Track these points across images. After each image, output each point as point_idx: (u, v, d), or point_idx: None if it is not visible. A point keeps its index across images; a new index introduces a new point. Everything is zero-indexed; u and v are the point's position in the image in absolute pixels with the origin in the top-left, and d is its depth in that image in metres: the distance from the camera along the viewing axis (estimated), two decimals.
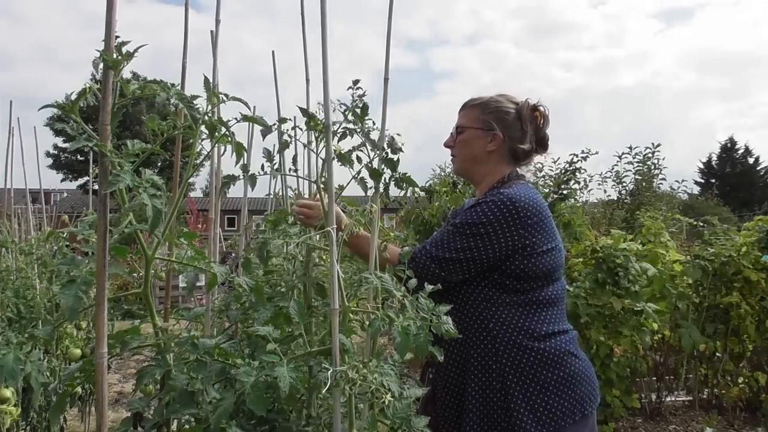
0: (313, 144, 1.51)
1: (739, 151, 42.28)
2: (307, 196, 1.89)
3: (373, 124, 1.51)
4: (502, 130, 1.79)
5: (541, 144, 1.86)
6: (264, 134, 1.51)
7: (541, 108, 1.84)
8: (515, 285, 1.68)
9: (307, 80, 2.02)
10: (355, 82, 1.64)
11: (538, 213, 1.68)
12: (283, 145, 1.57)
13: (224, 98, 1.50)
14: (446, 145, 1.89)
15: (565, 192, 6.03)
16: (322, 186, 1.47)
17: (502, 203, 1.66)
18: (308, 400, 1.60)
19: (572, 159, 6.95)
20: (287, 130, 1.56)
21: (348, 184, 1.54)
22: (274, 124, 1.56)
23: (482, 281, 1.71)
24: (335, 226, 1.34)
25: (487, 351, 1.68)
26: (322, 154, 1.40)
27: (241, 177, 1.63)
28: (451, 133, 1.88)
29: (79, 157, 32.07)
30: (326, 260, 1.76)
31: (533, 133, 1.82)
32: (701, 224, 5.48)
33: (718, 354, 4.62)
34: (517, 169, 1.85)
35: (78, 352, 3.26)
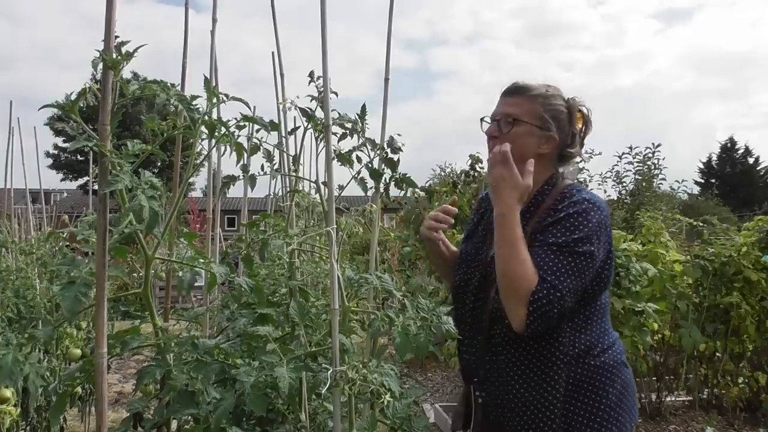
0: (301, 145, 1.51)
1: (739, 151, 42.29)
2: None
3: (364, 125, 1.51)
4: (557, 132, 1.56)
5: (582, 146, 1.67)
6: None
7: (585, 110, 1.65)
8: (587, 294, 1.52)
9: (282, 74, 2.02)
10: (311, 74, 1.53)
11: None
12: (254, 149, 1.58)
13: (224, 98, 1.50)
14: (490, 134, 1.58)
15: None
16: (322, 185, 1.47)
17: (593, 211, 1.48)
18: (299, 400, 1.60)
19: None
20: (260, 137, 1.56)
21: (348, 184, 1.54)
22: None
23: None
24: (335, 226, 1.34)
25: (546, 370, 1.49)
26: (322, 154, 1.40)
27: (241, 177, 1.63)
28: (496, 121, 1.57)
29: (79, 157, 32.08)
30: (326, 260, 1.76)
31: (580, 136, 1.63)
32: (701, 224, 5.48)
33: (718, 354, 4.62)
34: (560, 170, 1.64)
35: (78, 352, 3.26)
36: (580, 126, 1.61)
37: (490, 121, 1.61)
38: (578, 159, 1.67)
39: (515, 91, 1.57)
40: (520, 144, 1.51)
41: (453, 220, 1.66)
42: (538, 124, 1.54)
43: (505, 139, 1.51)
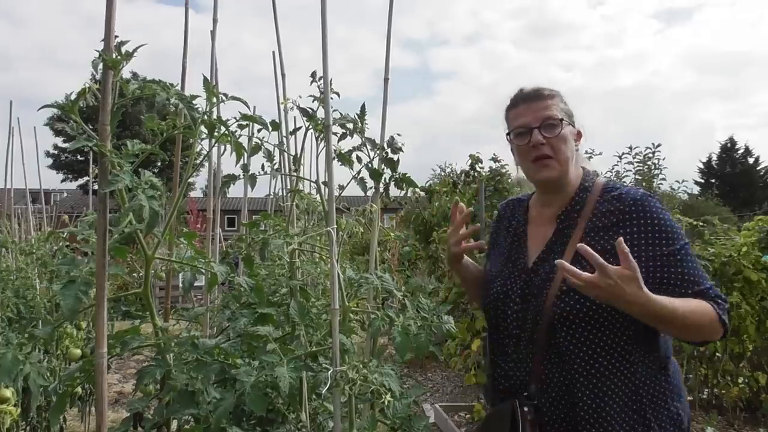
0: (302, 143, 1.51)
1: (739, 151, 42.29)
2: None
3: (364, 125, 1.51)
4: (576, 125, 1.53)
5: None
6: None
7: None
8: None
9: (283, 74, 2.02)
10: (312, 74, 1.49)
11: None
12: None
13: (224, 98, 1.50)
14: (537, 143, 1.46)
15: None
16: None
17: (661, 205, 1.44)
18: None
19: None
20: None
21: (348, 183, 1.54)
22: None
23: None
24: (335, 226, 1.34)
25: (632, 378, 1.39)
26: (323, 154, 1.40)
27: (241, 177, 1.63)
28: (535, 129, 1.46)
29: (79, 157, 32.08)
30: (326, 260, 1.76)
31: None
32: (701, 224, 5.48)
33: (718, 354, 4.62)
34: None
35: (78, 352, 3.26)
36: None
37: (522, 134, 1.49)
38: None
39: (541, 95, 1.50)
40: (568, 145, 1.47)
41: (470, 222, 1.57)
42: (569, 122, 1.50)
43: (556, 142, 1.45)
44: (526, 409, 1.41)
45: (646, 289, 1.25)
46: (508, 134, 1.55)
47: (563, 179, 1.49)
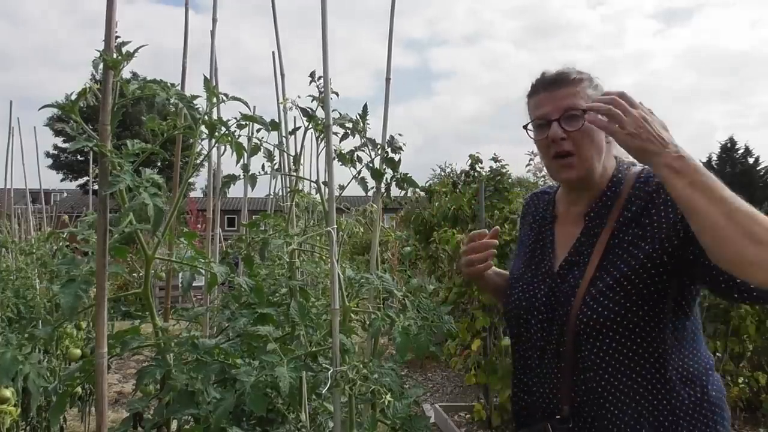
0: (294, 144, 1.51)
1: (739, 151, 42.30)
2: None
3: (365, 125, 1.51)
4: None
5: None
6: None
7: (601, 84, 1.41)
8: (692, 297, 1.30)
9: (282, 74, 2.02)
10: (312, 74, 1.46)
11: None
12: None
13: (224, 98, 1.50)
14: (554, 137, 1.29)
15: None
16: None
17: None
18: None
19: None
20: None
21: (348, 183, 1.54)
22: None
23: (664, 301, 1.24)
24: (335, 226, 1.34)
25: (663, 393, 1.24)
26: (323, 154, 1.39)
27: (241, 177, 1.63)
28: (555, 122, 1.28)
29: (79, 157, 32.08)
30: (326, 260, 1.76)
31: None
32: None
33: (718, 354, 4.62)
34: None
35: (78, 352, 3.26)
36: None
37: (541, 127, 1.33)
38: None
39: (564, 80, 1.30)
40: (594, 138, 1.28)
41: (494, 250, 1.40)
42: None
43: (578, 137, 1.27)
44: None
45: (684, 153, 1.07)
46: (524, 127, 1.37)
47: (588, 179, 1.32)
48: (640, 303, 1.22)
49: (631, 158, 1.31)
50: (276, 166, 1.67)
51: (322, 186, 1.47)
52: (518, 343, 1.41)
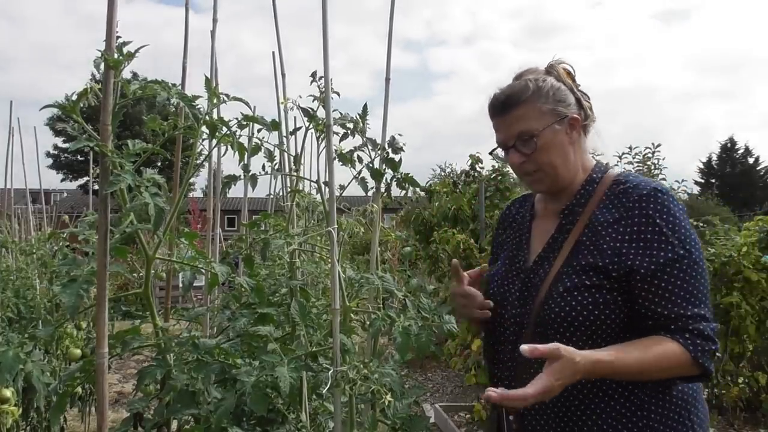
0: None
1: (739, 151, 42.30)
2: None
3: (365, 125, 1.51)
4: (571, 110, 1.34)
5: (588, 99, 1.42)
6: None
7: (567, 65, 1.41)
8: None
9: (283, 74, 2.02)
10: (313, 74, 1.45)
11: None
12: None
13: (225, 98, 1.50)
14: (515, 162, 1.35)
15: None
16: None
17: (674, 201, 1.26)
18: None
19: None
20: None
21: (349, 183, 1.54)
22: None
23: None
24: (336, 226, 1.34)
25: (628, 396, 1.26)
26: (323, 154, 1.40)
27: (242, 177, 1.63)
28: (512, 147, 1.34)
29: (79, 157, 32.08)
30: (326, 260, 1.76)
31: (581, 93, 1.39)
32: (702, 224, 5.48)
33: (718, 354, 4.62)
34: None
35: (78, 352, 3.26)
36: (571, 81, 1.39)
37: (503, 151, 1.38)
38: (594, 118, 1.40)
39: (510, 104, 1.34)
40: (554, 152, 1.32)
41: (481, 295, 1.39)
42: (554, 120, 1.32)
43: (537, 156, 1.31)
44: (511, 418, 1.34)
45: (588, 357, 1.13)
46: (490, 153, 1.44)
47: (558, 185, 1.36)
48: (601, 306, 1.23)
49: (603, 157, 1.42)
50: (276, 166, 1.67)
51: (323, 186, 1.47)
52: (491, 337, 1.42)
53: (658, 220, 1.22)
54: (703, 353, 1.18)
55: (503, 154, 1.39)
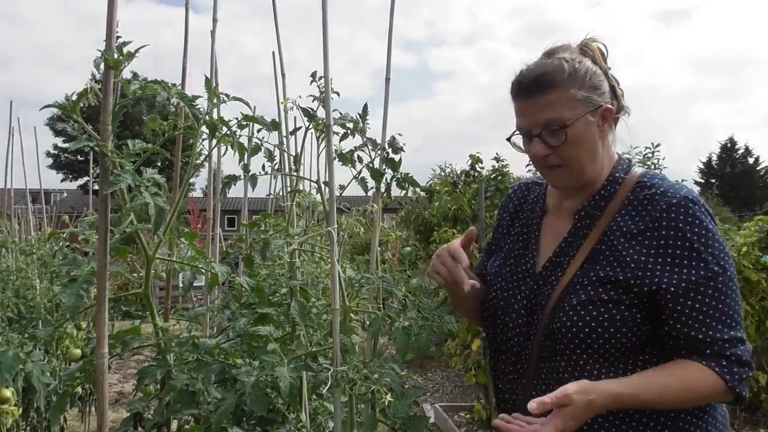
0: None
1: (739, 151, 42.29)
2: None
3: (365, 125, 1.51)
4: (605, 99, 1.19)
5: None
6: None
7: (600, 45, 1.25)
8: None
9: (283, 74, 2.02)
10: (313, 74, 1.42)
11: None
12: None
13: (225, 98, 1.50)
14: (537, 154, 1.19)
15: None
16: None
17: (704, 210, 1.14)
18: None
19: None
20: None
21: (349, 183, 1.54)
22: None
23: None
24: (336, 226, 1.34)
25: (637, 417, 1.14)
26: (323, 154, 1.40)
27: (242, 177, 1.63)
28: (537, 136, 1.17)
29: (79, 157, 32.08)
30: (327, 260, 1.76)
31: (615, 80, 1.24)
32: None
33: None
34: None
35: (78, 352, 3.26)
36: (605, 64, 1.23)
37: (524, 138, 1.22)
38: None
39: (542, 85, 1.16)
40: (584, 145, 1.16)
41: (466, 259, 1.20)
42: (587, 109, 1.16)
43: (564, 150, 1.16)
44: None
45: (604, 392, 1.04)
46: (508, 139, 1.26)
47: (581, 183, 1.21)
48: (618, 323, 1.11)
49: (627, 154, 1.27)
50: (276, 166, 1.67)
51: (323, 186, 1.47)
52: (493, 348, 1.31)
53: (689, 234, 1.10)
54: (740, 381, 1.09)
55: (523, 142, 1.23)
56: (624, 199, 1.18)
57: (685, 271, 1.09)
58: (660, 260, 1.10)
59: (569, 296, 1.16)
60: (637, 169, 1.23)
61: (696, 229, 1.10)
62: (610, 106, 1.18)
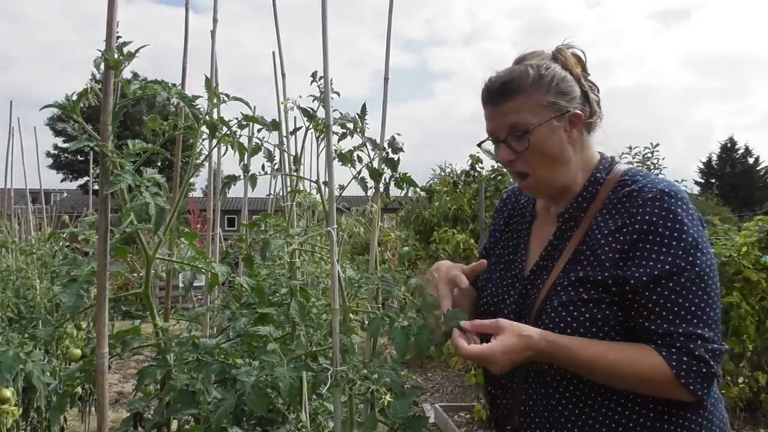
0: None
1: (739, 151, 42.30)
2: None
3: (364, 125, 1.51)
4: (575, 105, 1.19)
5: (597, 93, 1.27)
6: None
7: (577, 51, 1.26)
8: None
9: (283, 74, 2.02)
10: (313, 74, 1.41)
11: None
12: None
13: (225, 98, 1.50)
14: (504, 159, 1.21)
15: None
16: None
17: (682, 204, 1.11)
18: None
19: None
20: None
21: (349, 183, 1.54)
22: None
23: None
24: (335, 226, 1.34)
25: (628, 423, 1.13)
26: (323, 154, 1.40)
27: (242, 177, 1.63)
28: (503, 142, 1.20)
29: (79, 157, 32.09)
30: (326, 260, 1.76)
31: (590, 85, 1.24)
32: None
33: None
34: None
35: (78, 352, 3.26)
36: (580, 70, 1.23)
37: (493, 143, 1.25)
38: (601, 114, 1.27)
39: (506, 91, 1.18)
40: (549, 150, 1.17)
41: (465, 282, 1.22)
42: (553, 115, 1.16)
43: (528, 156, 1.17)
44: (509, 427, 1.22)
45: (543, 334, 1.08)
46: (479, 145, 1.29)
47: (553, 191, 1.23)
48: (599, 322, 1.11)
49: (611, 152, 1.28)
50: (276, 166, 1.67)
51: (323, 186, 1.47)
52: None
53: (660, 228, 1.08)
54: (688, 373, 1.04)
55: (494, 148, 1.26)
56: (605, 198, 1.19)
57: (651, 264, 1.08)
58: (630, 254, 1.10)
59: (551, 298, 1.17)
60: (620, 167, 1.23)
61: (669, 223, 1.09)
62: (578, 112, 1.19)
